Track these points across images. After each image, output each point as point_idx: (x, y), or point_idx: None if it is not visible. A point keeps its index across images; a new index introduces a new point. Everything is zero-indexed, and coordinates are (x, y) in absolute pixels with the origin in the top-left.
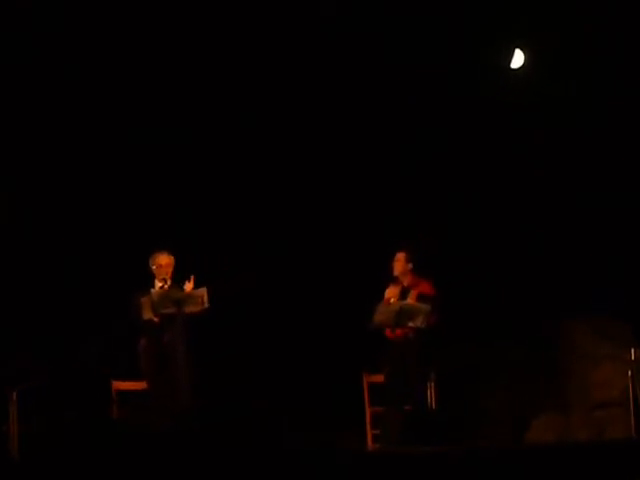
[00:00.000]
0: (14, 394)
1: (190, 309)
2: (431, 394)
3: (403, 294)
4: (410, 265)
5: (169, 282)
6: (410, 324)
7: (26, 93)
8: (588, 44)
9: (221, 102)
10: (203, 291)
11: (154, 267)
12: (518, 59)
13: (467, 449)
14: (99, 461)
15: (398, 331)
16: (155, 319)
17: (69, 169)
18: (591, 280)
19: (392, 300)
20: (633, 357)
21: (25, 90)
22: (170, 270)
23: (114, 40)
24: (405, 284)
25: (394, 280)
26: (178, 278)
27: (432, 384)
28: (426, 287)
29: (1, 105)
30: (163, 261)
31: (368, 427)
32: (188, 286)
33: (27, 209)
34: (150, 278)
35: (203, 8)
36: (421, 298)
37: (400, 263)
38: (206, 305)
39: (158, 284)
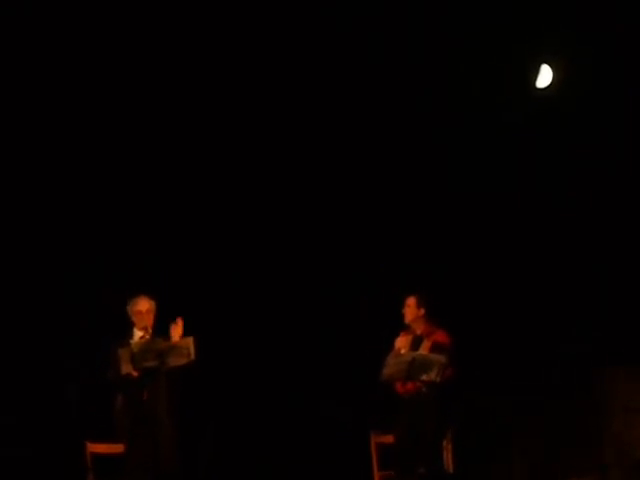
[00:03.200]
0: None
1: (174, 362)
2: (447, 456)
3: (415, 344)
4: (422, 311)
5: (150, 331)
6: (423, 377)
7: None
8: (621, 60)
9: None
10: (189, 341)
11: (133, 314)
12: (545, 77)
13: None
14: None
15: (410, 385)
16: (134, 374)
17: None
18: (629, 325)
19: (403, 351)
20: None
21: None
22: (152, 317)
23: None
24: (417, 332)
25: (405, 328)
26: (160, 326)
27: (449, 445)
28: (441, 336)
29: None
30: (143, 307)
31: None
32: (175, 331)
33: None
34: (128, 327)
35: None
36: (435, 348)
37: (411, 309)
38: (192, 357)
39: (138, 334)
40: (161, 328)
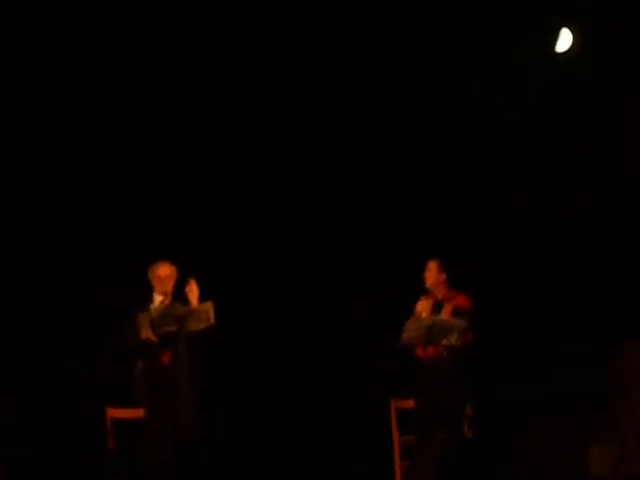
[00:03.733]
0: None
1: (194, 326)
2: (468, 422)
3: (436, 308)
4: (443, 275)
5: (170, 296)
6: (444, 342)
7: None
8: None
9: (227, 104)
10: (209, 305)
11: (153, 279)
12: (565, 41)
13: None
14: None
15: (430, 350)
16: (154, 339)
17: (62, 169)
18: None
19: (423, 315)
20: None
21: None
22: (172, 282)
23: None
24: (438, 297)
25: (426, 293)
26: (181, 292)
27: (469, 410)
28: (462, 300)
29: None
30: (163, 272)
31: (397, 459)
32: (191, 292)
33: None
34: (149, 292)
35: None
36: (456, 313)
37: (432, 273)
38: (212, 322)
39: (158, 298)
40: (181, 294)
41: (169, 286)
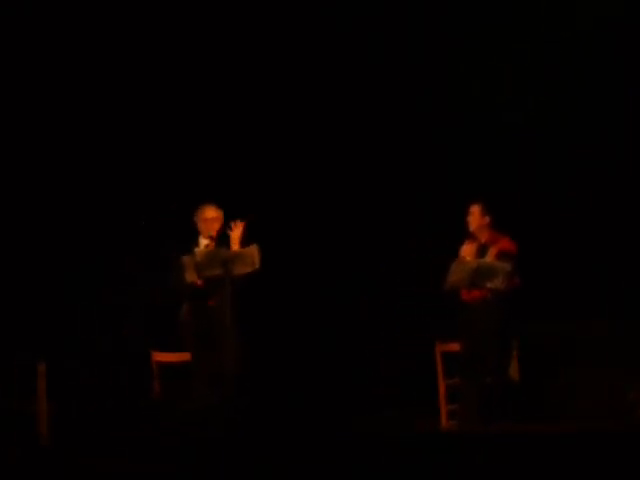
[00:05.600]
0: (42, 367)
1: (239, 270)
2: (514, 365)
3: (480, 251)
4: (487, 219)
5: (215, 240)
6: (488, 285)
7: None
8: None
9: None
10: (254, 249)
11: (199, 222)
12: None
13: (556, 429)
14: (138, 445)
15: (475, 293)
16: (199, 282)
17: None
18: None
19: (468, 258)
20: None
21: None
22: (217, 226)
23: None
24: (482, 240)
25: (470, 236)
26: (227, 237)
27: (515, 353)
28: (507, 244)
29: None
30: (209, 214)
31: (442, 403)
32: (234, 232)
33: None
34: (194, 236)
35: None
36: (501, 256)
37: (475, 217)
38: (257, 266)
39: (203, 242)
40: (227, 239)
41: (215, 229)
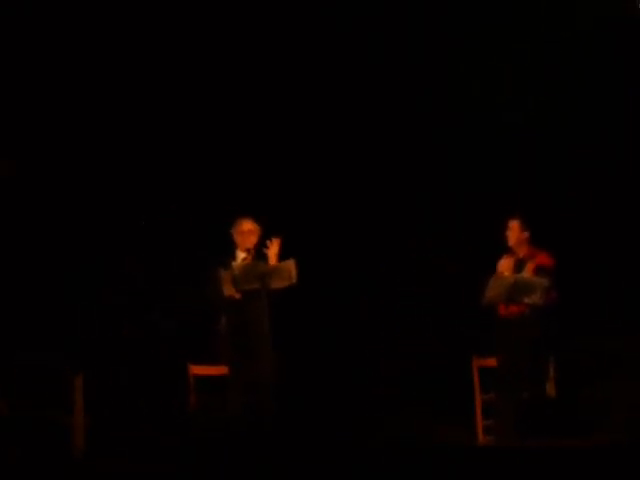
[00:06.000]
0: (79, 380)
1: (276, 284)
2: (551, 380)
3: (518, 266)
4: (526, 234)
5: (253, 253)
6: (526, 300)
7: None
8: None
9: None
10: (291, 264)
11: (236, 235)
12: None
13: (592, 443)
14: (173, 457)
15: (512, 308)
16: (237, 296)
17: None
18: None
19: (506, 273)
20: None
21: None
22: (255, 239)
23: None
24: (521, 255)
25: (508, 251)
26: (263, 251)
27: (552, 369)
28: (545, 259)
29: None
30: (246, 227)
31: (479, 417)
32: (271, 250)
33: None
34: (232, 249)
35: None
36: (539, 271)
37: (514, 232)
38: (294, 280)
39: (241, 255)
40: (264, 253)
41: (252, 242)
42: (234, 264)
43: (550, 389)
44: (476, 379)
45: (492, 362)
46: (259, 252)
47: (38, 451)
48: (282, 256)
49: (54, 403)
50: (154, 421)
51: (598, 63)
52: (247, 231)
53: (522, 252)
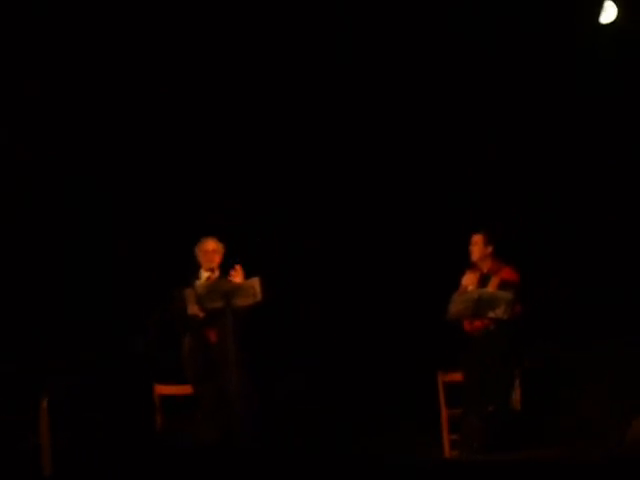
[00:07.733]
0: (45, 402)
1: (241, 302)
2: (516, 394)
3: (482, 281)
4: (490, 248)
5: (217, 272)
6: (491, 314)
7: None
8: None
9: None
10: (255, 282)
11: (200, 254)
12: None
13: (557, 456)
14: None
15: (477, 323)
16: (200, 314)
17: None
18: None
19: (470, 288)
20: None
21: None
22: (218, 258)
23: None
24: (484, 270)
25: (472, 266)
26: (227, 269)
27: (517, 383)
28: (508, 273)
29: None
30: (210, 247)
31: (445, 432)
32: (235, 277)
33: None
34: (195, 268)
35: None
36: (503, 285)
37: (478, 247)
38: (259, 298)
39: (204, 274)
40: (228, 271)
41: (215, 261)
42: (197, 282)
43: (515, 402)
44: (441, 394)
45: (457, 377)
46: (223, 271)
47: (7, 472)
48: (247, 274)
49: (20, 425)
50: (121, 441)
51: (553, 79)
52: (211, 250)
53: (486, 267)
